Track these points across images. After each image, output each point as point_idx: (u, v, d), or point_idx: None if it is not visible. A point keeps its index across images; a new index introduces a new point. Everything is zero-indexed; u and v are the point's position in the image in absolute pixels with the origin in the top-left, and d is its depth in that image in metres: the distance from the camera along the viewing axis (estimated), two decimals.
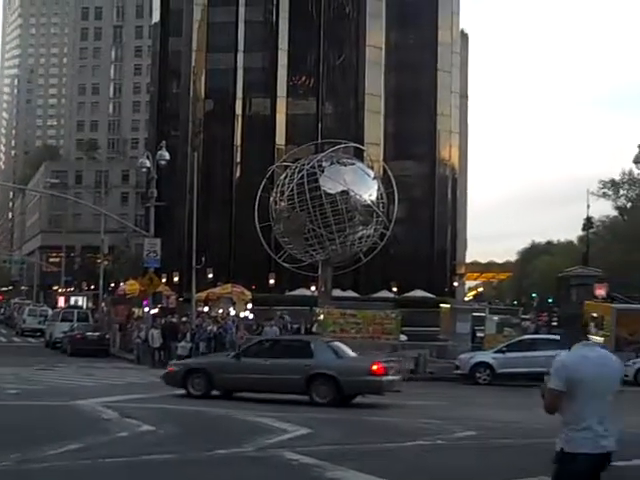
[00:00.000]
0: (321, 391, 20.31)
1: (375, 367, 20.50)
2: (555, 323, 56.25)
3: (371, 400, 22.34)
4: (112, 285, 73.94)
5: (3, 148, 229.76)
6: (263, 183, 39.86)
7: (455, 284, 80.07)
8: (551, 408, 6.22)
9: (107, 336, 41.91)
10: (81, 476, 11.22)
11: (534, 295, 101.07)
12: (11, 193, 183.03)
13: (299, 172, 36.68)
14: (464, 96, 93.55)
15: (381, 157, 64.91)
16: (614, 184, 79.60)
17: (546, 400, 6.24)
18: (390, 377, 20.71)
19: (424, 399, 23.43)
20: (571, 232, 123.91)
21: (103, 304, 56.61)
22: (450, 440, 15.30)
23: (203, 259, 46.05)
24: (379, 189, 37.53)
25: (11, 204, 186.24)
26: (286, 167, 40.01)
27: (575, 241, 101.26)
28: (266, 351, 22.19)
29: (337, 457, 12.76)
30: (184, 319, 38.76)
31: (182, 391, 21.80)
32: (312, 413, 18.72)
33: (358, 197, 36.34)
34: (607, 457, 6.12)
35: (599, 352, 6.38)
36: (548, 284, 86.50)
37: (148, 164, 37.96)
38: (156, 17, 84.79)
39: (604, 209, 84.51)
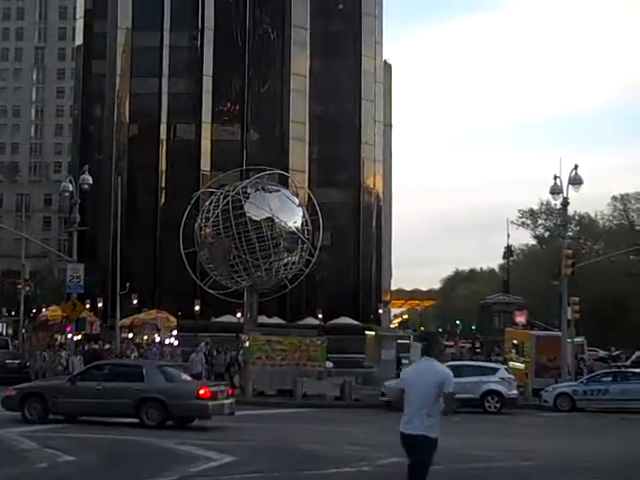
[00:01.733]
0: (150, 414, 20.81)
1: (202, 391, 21.03)
2: (478, 349, 57.24)
3: (302, 426, 22.44)
4: (34, 311, 72.34)
5: None
6: (188, 209, 39.58)
7: (380, 311, 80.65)
8: (396, 402, 10.15)
9: (27, 364, 40.91)
10: None
11: (458, 322, 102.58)
12: None
13: (224, 198, 36.59)
14: (388, 125, 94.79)
15: (306, 184, 65.30)
16: (532, 214, 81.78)
17: (394, 397, 9.79)
18: (218, 401, 21.26)
19: (350, 426, 23.56)
20: (493, 260, 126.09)
21: (24, 330, 55.37)
22: (375, 466, 15.40)
23: (128, 285, 45.61)
24: (304, 216, 37.71)
25: None
26: (211, 193, 39.89)
27: (497, 269, 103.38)
28: (100, 375, 22.52)
29: None
30: (107, 346, 38.19)
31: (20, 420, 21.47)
32: (238, 441, 18.66)
33: (283, 224, 36.41)
34: (412, 438, 9.23)
35: (427, 365, 9.13)
36: (471, 311, 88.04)
37: (71, 188, 37.42)
38: (79, 40, 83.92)
39: (524, 238, 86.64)
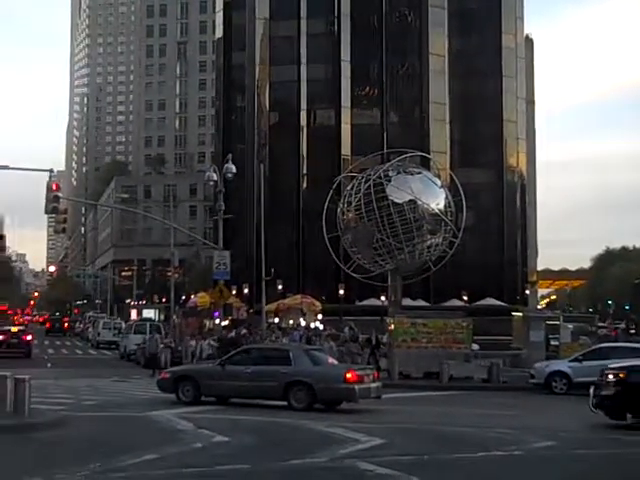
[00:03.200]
0: (298, 397, 21.17)
1: (349, 375, 21.20)
2: (633, 330, 55.01)
3: (449, 409, 22.22)
4: (183, 298, 74.80)
5: (75, 165, 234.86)
6: (330, 194, 39.74)
7: (527, 292, 78.92)
8: None
9: (179, 348, 42.34)
10: None
11: (610, 302, 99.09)
12: (83, 209, 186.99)
13: (366, 182, 36.46)
14: (531, 101, 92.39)
15: (447, 165, 64.46)
16: None
17: None
18: (365, 385, 21.33)
19: (498, 409, 23.11)
20: None
21: (174, 316, 57.28)
22: (528, 451, 15.00)
23: (272, 270, 46.26)
24: (447, 197, 37.10)
25: (83, 219, 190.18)
26: (352, 177, 39.82)
27: None
28: (249, 359, 22.93)
29: (413, 468, 12.60)
30: (243, 331, 38.88)
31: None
32: (385, 424, 18.61)
33: (426, 206, 35.94)
34: None
35: None
36: (624, 291, 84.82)
37: (215, 178, 38.21)
38: (219, 32, 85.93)
39: None
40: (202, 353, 35.34)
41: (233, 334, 38.34)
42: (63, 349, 60.56)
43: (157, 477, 11.86)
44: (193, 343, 37.11)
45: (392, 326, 32.98)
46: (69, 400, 23.45)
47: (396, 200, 35.63)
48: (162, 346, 36.44)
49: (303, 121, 74.71)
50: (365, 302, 57.27)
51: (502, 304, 65.29)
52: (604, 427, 18.51)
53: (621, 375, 18.35)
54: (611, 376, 18.46)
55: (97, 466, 12.53)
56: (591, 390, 19.20)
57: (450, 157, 72.44)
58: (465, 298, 66.87)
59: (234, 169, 38.10)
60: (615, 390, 18.15)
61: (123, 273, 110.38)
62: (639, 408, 18.25)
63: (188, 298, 70.70)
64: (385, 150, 55.76)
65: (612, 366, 19.22)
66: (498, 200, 76.74)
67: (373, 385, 21.91)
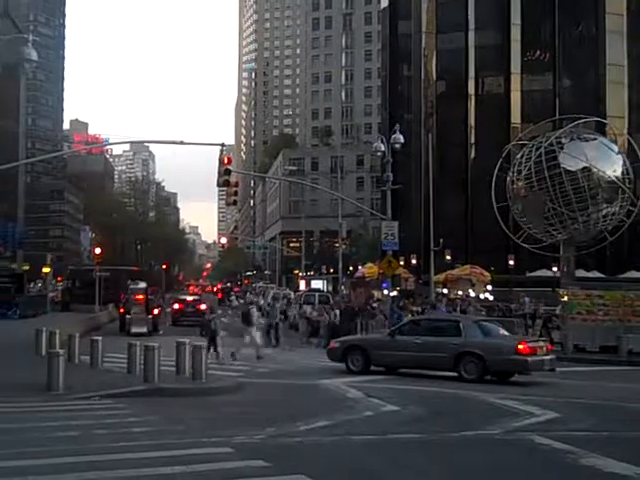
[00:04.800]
0: (469, 368, 21.02)
1: (521, 346, 20.83)
2: None
3: (628, 385, 21.39)
4: (350, 268, 75.53)
5: (244, 139, 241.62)
6: (499, 163, 38.84)
7: None
8: None
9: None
10: (332, 451, 11.45)
11: None
12: (252, 182, 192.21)
13: (537, 150, 35.39)
14: None
15: (625, 130, 61.47)
16: None
17: None
18: (538, 357, 20.91)
19: None
20: None
21: (342, 287, 57.90)
22: None
23: (441, 241, 45.85)
24: (624, 164, 35.47)
25: (252, 192, 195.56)
26: (522, 146, 38.72)
27: None
28: (419, 330, 22.83)
29: (593, 444, 12.12)
30: (375, 305, 38.43)
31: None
32: (560, 397, 18.08)
33: (601, 173, 34.50)
34: None
35: None
36: None
37: (383, 148, 38.16)
38: (385, 2, 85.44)
39: None
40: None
41: (372, 305, 38.15)
42: (236, 317, 62.34)
43: (329, 443, 12.00)
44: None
45: (565, 298, 31.97)
46: (244, 367, 24.20)
47: (569, 168, 34.42)
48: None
49: (471, 89, 73.14)
50: (536, 273, 55.72)
51: None
52: None
53: None
54: None
55: (272, 430, 12.86)
56: None
57: (628, 121, 68.98)
58: None
59: (402, 139, 37.90)
60: None
61: (291, 244, 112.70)
62: None
63: (355, 269, 71.34)
64: (557, 116, 53.82)
65: None
66: None
67: (546, 357, 21.50)
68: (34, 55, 26.71)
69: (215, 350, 25.28)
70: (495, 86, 73.90)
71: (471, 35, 72.63)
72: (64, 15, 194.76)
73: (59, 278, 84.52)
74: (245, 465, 10.08)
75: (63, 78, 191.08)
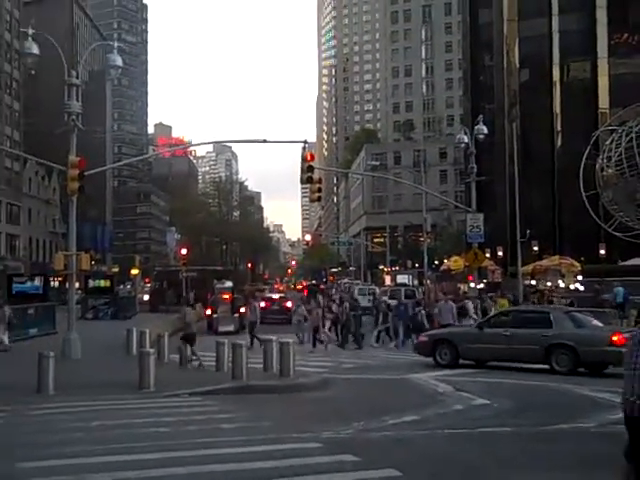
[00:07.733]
0: (560, 360, 20.59)
1: (616, 337, 19.97)
2: None
3: None
4: (435, 262, 74.89)
5: (325, 136, 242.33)
6: (587, 150, 37.93)
7: None
8: None
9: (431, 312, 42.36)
10: (422, 444, 11.28)
11: None
12: (335, 178, 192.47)
13: (627, 135, 34.53)
14: None
15: None
16: None
17: None
18: None
19: None
20: None
21: (428, 281, 57.41)
22: None
23: (528, 232, 45.04)
24: None
25: (335, 189, 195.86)
26: (612, 131, 37.75)
27: None
28: (507, 322, 22.40)
29: None
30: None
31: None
32: None
33: None
34: None
35: None
36: None
37: (466, 139, 37.63)
38: None
39: None
40: None
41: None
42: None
43: (420, 437, 11.84)
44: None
45: None
46: (329, 363, 24.17)
47: None
48: None
49: (556, 76, 71.61)
50: (630, 262, 54.22)
51: None
52: None
53: None
54: None
55: (360, 425, 12.77)
56: None
57: None
58: None
59: (485, 130, 37.31)
60: None
61: (375, 240, 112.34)
62: None
63: (441, 262, 70.68)
64: None
65: None
66: None
67: None
68: (119, 61, 27.12)
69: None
70: (581, 71, 72.16)
71: (555, 20, 71.13)
72: (146, 21, 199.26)
73: (147, 279, 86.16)
74: (335, 459, 10.02)
75: (146, 83, 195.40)
